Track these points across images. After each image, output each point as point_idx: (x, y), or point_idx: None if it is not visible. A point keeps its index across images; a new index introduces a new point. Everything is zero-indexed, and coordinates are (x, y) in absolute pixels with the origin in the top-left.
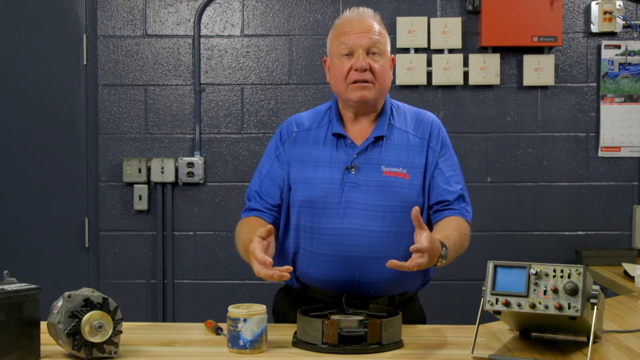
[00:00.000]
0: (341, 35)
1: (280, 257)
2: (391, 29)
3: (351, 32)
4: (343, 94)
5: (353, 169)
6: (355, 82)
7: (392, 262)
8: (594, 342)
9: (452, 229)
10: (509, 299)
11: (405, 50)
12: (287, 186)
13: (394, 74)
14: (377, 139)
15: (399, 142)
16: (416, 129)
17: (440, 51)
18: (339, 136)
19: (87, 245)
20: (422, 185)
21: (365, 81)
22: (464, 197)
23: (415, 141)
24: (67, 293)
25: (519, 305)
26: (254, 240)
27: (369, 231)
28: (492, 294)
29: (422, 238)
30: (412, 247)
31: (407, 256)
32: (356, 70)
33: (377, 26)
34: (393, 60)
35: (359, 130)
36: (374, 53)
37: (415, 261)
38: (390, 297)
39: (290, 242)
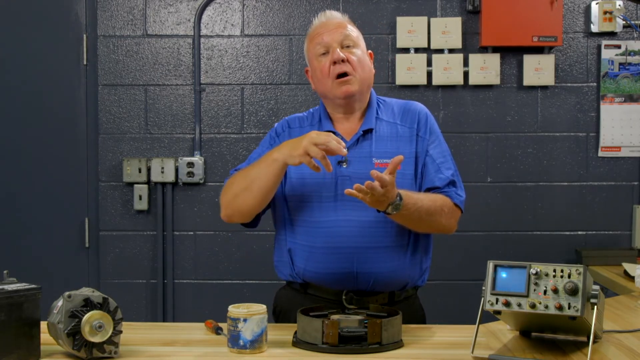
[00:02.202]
0: (315, 38)
1: (278, 253)
2: (391, 29)
3: (323, 32)
4: (329, 93)
5: (344, 163)
6: (337, 76)
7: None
8: (594, 342)
9: (425, 197)
10: (509, 299)
11: (405, 50)
12: None
13: (393, 75)
14: (366, 133)
15: (388, 134)
16: (404, 120)
17: (440, 51)
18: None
19: (87, 245)
20: (414, 174)
21: (346, 74)
22: (455, 183)
23: (404, 131)
24: (67, 293)
25: (519, 305)
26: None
27: (363, 222)
28: (492, 294)
29: (387, 176)
30: (374, 172)
31: (402, 245)
32: (334, 63)
33: (347, 24)
34: (371, 55)
35: (348, 127)
36: (348, 46)
37: (372, 184)
38: (390, 293)
39: (287, 238)
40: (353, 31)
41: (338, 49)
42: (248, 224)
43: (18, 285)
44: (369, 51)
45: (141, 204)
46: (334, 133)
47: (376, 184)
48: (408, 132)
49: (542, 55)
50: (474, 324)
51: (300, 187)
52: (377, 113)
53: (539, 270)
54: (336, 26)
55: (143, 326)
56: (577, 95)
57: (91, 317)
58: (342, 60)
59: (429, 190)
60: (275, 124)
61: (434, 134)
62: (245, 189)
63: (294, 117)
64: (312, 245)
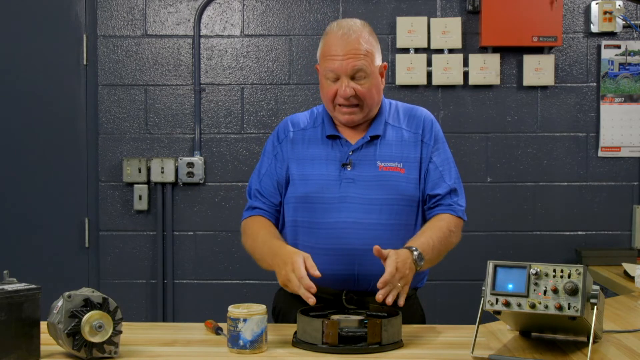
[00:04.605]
0: (327, 60)
1: None
2: (391, 29)
3: (336, 57)
4: (331, 113)
5: (349, 166)
6: (341, 105)
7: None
8: (594, 342)
9: (432, 231)
10: (509, 299)
11: (405, 50)
12: (284, 185)
13: (393, 75)
14: (373, 138)
15: (394, 139)
16: (409, 125)
17: (440, 51)
18: (334, 137)
19: (87, 245)
20: (418, 178)
21: (351, 105)
22: (457, 191)
23: (409, 136)
24: (67, 293)
25: (519, 305)
26: (301, 260)
27: (367, 224)
28: (492, 294)
29: (386, 267)
30: (378, 284)
31: None
32: (342, 96)
33: (363, 44)
34: (385, 67)
35: (354, 132)
36: (359, 76)
37: (387, 294)
38: None
39: (287, 239)
40: (369, 55)
41: (346, 82)
42: None
43: (18, 285)
44: (384, 63)
45: (141, 204)
46: (339, 137)
47: (387, 277)
48: (413, 137)
49: (542, 56)
50: (474, 324)
51: (303, 188)
52: (386, 117)
53: (538, 270)
54: (351, 53)
55: (143, 326)
56: (577, 95)
57: (91, 317)
58: (349, 96)
59: (432, 198)
60: (278, 126)
61: (438, 140)
62: (258, 260)
63: (296, 119)
64: (314, 247)
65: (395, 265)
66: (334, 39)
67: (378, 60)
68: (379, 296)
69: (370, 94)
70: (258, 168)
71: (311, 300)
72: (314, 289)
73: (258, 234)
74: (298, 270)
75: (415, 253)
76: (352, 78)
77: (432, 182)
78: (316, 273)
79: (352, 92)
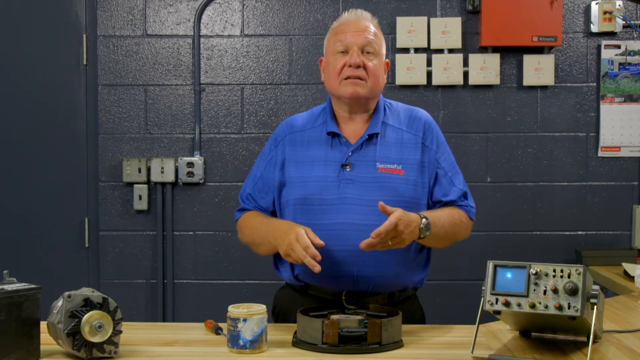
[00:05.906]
0: (338, 34)
1: (278, 256)
2: (391, 29)
3: (347, 30)
4: (336, 91)
5: (348, 167)
6: (348, 77)
7: (364, 242)
8: (594, 342)
9: (441, 212)
10: (509, 299)
11: (405, 50)
12: (277, 192)
13: (393, 75)
14: (371, 137)
15: (393, 140)
16: (410, 126)
17: (440, 51)
18: (334, 135)
19: (87, 245)
20: (418, 181)
21: (358, 77)
22: (466, 194)
23: (409, 138)
24: (67, 293)
25: (519, 305)
26: (302, 231)
27: (366, 226)
28: (492, 294)
29: (387, 220)
30: (371, 234)
31: (404, 251)
32: (350, 66)
33: (373, 28)
34: (388, 64)
35: (354, 130)
36: (368, 52)
37: (371, 245)
38: (390, 294)
39: None
40: (377, 38)
41: (357, 53)
42: None
43: (18, 285)
44: (386, 60)
45: (141, 204)
46: (338, 135)
47: (382, 229)
48: (413, 139)
49: (542, 55)
50: (474, 324)
51: (302, 189)
52: (384, 117)
53: (538, 270)
54: (362, 29)
55: (143, 326)
56: (577, 95)
57: (91, 317)
58: (358, 66)
59: (444, 203)
60: (276, 130)
61: (441, 144)
62: (256, 245)
63: (295, 121)
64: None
65: (396, 222)
66: (345, 20)
67: (384, 51)
68: (362, 244)
69: (376, 72)
70: (254, 171)
71: (317, 269)
72: (319, 257)
73: (255, 220)
74: (303, 239)
75: (424, 221)
76: (361, 52)
77: (444, 188)
78: (320, 242)
79: (361, 62)
